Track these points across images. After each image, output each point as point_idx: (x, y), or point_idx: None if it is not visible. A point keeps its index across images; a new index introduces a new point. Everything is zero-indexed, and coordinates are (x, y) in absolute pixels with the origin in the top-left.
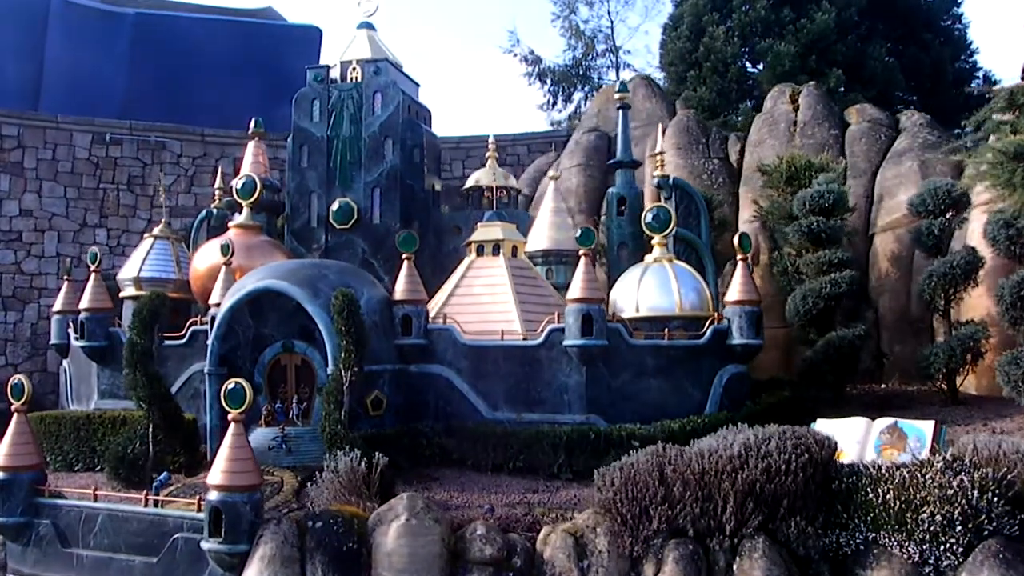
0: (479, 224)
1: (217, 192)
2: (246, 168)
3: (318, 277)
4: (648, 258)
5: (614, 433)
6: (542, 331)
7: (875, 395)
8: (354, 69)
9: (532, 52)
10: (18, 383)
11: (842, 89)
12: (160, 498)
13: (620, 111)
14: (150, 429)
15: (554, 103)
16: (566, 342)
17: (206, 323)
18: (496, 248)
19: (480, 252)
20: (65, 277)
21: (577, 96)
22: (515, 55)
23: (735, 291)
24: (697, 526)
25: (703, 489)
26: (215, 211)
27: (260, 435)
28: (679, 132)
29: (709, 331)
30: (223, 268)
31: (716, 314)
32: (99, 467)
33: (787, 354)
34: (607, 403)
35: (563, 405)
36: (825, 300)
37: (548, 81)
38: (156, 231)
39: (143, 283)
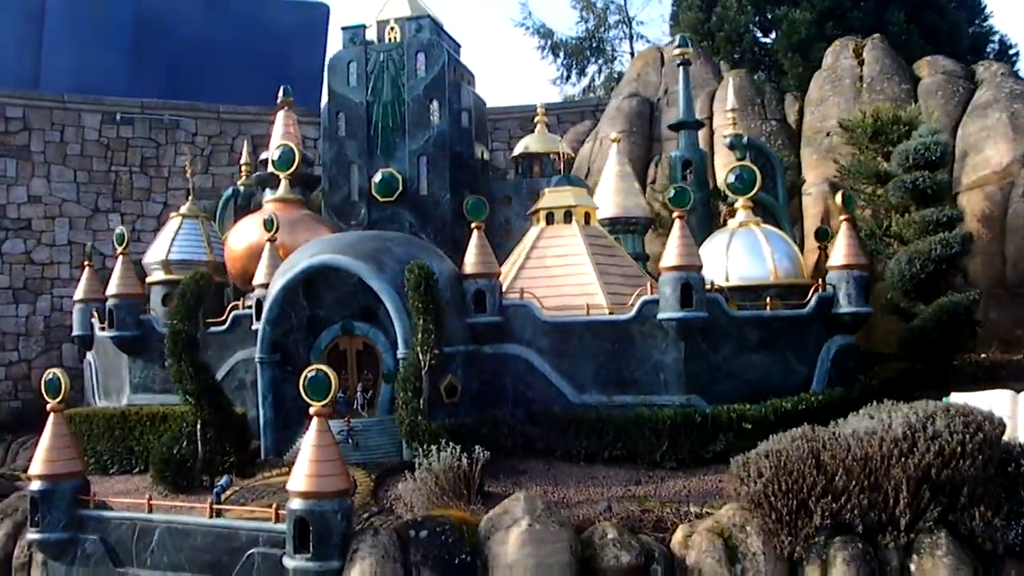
0: (546, 190)
1: (243, 168)
2: (276, 140)
3: (382, 250)
4: (731, 223)
5: (722, 415)
6: (633, 304)
7: (981, 365)
8: (392, 28)
9: (543, 25)
10: (53, 378)
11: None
12: (226, 507)
13: (680, 68)
14: (198, 426)
15: (567, 77)
16: (661, 315)
17: (249, 307)
18: (568, 215)
19: (550, 220)
20: (85, 263)
21: (591, 69)
22: (527, 28)
23: (841, 254)
24: (866, 521)
25: (868, 478)
26: (242, 189)
27: None
28: (733, 93)
29: (814, 299)
30: (267, 245)
31: (819, 280)
32: (137, 469)
33: (869, 323)
34: (707, 381)
35: (659, 385)
36: (935, 262)
37: (561, 55)
38: (183, 210)
39: (172, 266)
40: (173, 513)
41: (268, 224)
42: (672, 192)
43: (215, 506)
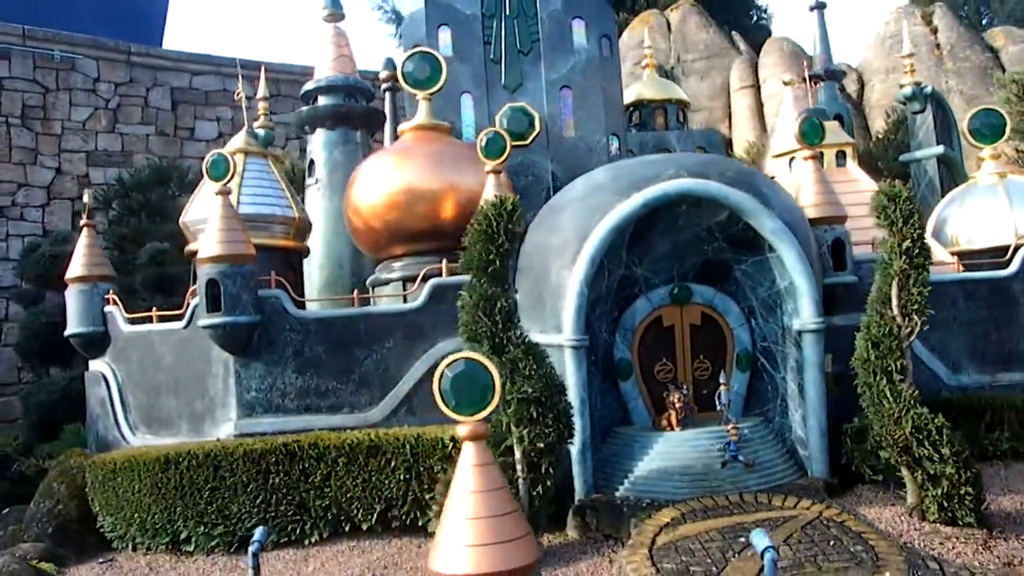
0: (805, 123)
1: (261, 106)
2: (326, 65)
3: (751, 174)
4: (980, 175)
5: None
6: (1012, 255)
7: None
8: None
9: (395, 10)
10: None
11: None
12: None
13: (816, 11)
14: (517, 456)
15: None
16: None
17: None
18: (842, 155)
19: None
20: (83, 221)
21: None
22: (384, 11)
23: None
24: None
25: None
26: (262, 133)
27: (685, 443)
28: (784, 59)
29: None
30: (491, 180)
31: None
32: (314, 537)
33: None
34: None
35: None
36: None
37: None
38: (239, 143)
39: None
40: None
41: (495, 147)
42: None
43: None
